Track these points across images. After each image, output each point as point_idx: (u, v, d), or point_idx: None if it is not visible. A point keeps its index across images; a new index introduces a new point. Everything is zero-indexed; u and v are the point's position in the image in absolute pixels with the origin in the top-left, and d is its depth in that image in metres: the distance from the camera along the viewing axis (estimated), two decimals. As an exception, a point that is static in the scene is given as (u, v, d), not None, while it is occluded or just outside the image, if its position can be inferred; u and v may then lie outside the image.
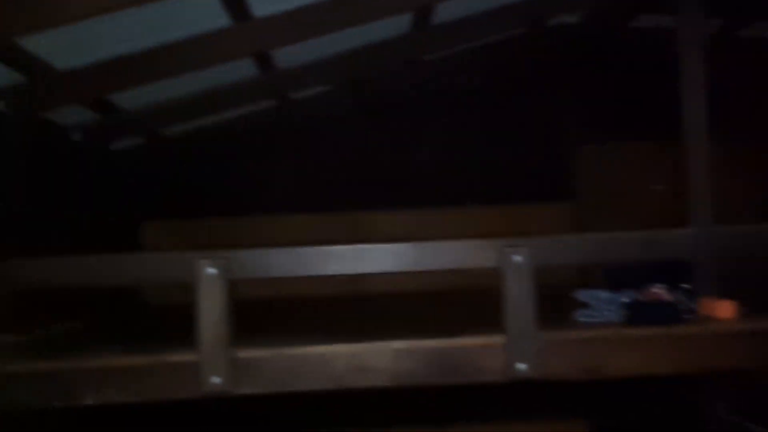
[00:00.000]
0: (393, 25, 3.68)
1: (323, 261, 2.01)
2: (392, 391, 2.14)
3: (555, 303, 2.26)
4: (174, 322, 2.02)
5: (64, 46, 2.65)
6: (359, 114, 4.74)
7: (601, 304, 2.21)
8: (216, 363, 1.91)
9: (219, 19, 2.83)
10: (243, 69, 3.56)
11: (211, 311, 1.93)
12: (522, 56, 4.64)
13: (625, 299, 2.19)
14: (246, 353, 1.94)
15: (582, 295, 2.28)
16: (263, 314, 3.29)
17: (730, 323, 2.05)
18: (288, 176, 4.76)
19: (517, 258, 1.97)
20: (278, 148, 4.71)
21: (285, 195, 4.71)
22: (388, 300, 3.70)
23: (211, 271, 1.94)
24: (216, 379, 1.91)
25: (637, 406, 3.48)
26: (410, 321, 2.90)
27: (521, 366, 1.95)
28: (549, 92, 4.58)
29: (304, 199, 4.69)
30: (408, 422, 3.90)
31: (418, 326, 2.25)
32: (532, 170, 4.55)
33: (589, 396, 3.64)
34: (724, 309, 2.10)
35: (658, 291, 2.23)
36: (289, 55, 3.54)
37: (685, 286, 2.31)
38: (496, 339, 1.98)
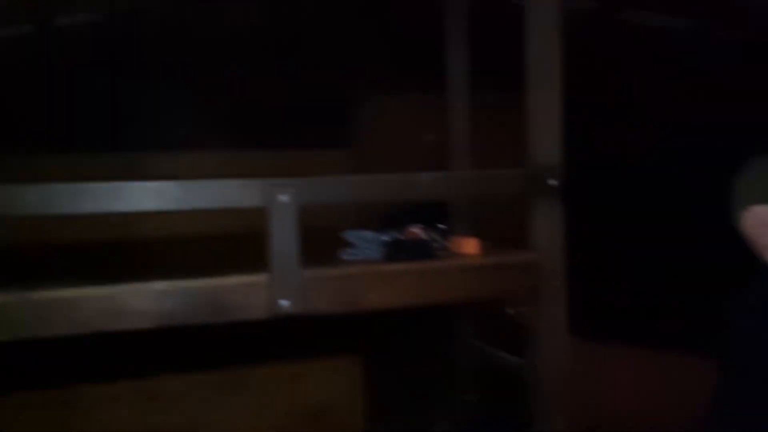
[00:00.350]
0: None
1: (75, 199, 1.88)
2: (168, 335, 2.09)
3: (329, 244, 2.35)
4: None
5: None
6: (136, 48, 4.43)
7: (364, 243, 2.33)
8: (-55, 310, 1.73)
9: None
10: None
11: (-63, 254, 1.73)
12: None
13: (385, 238, 2.33)
14: (-19, 299, 1.77)
15: (349, 235, 2.39)
16: (19, 261, 3.02)
17: (474, 258, 2.28)
18: (55, 112, 4.34)
19: (283, 198, 2.01)
20: (41, 79, 4.26)
21: (52, 132, 4.29)
22: (163, 244, 3.58)
23: (-63, 209, 1.73)
24: (-55, 328, 1.73)
25: (403, 338, 3.77)
26: (182, 264, 2.84)
27: (284, 303, 2.00)
28: (333, 41, 4.62)
29: (74, 138, 4.31)
30: (186, 368, 3.86)
31: (188, 268, 2.21)
32: (314, 117, 4.60)
33: (363, 333, 3.87)
34: (470, 245, 2.33)
35: (416, 230, 2.41)
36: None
37: (441, 226, 2.52)
38: (260, 278, 2.01)
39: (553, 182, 2.26)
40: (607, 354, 3.65)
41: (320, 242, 2.32)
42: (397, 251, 2.22)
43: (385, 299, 2.12)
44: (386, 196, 2.17)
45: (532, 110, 2.31)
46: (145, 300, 1.94)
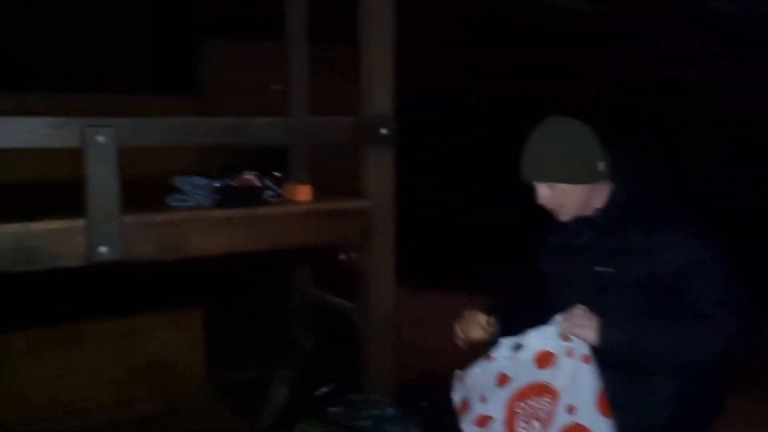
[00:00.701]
0: None
1: None
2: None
3: (160, 190, 2.26)
4: None
5: None
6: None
7: (194, 189, 2.26)
8: None
9: None
10: None
11: None
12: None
13: (217, 184, 2.28)
14: None
15: (177, 181, 2.30)
16: None
17: (306, 204, 2.28)
18: None
19: (100, 138, 1.90)
20: None
21: None
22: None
23: None
24: None
25: (244, 289, 3.76)
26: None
27: (103, 249, 1.91)
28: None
29: None
30: (9, 325, 3.60)
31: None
32: (157, 61, 4.38)
33: (205, 285, 3.81)
34: (303, 192, 2.33)
35: (249, 177, 2.38)
36: None
37: (277, 174, 2.50)
38: (76, 223, 1.91)
39: (384, 131, 2.31)
40: (430, 300, 3.85)
41: (158, 190, 2.23)
42: (226, 197, 2.18)
43: (213, 245, 2.09)
44: (215, 140, 2.12)
45: (366, 61, 2.33)
46: (-60, 247, 1.78)
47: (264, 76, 4.62)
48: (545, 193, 1.67)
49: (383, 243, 2.34)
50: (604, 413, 1.47)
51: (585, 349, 1.49)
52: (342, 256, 2.41)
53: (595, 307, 1.56)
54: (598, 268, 1.64)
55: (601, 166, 1.65)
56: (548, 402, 1.50)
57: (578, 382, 1.49)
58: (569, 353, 1.50)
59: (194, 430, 3.41)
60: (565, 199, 1.66)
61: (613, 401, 1.51)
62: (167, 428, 3.45)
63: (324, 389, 2.11)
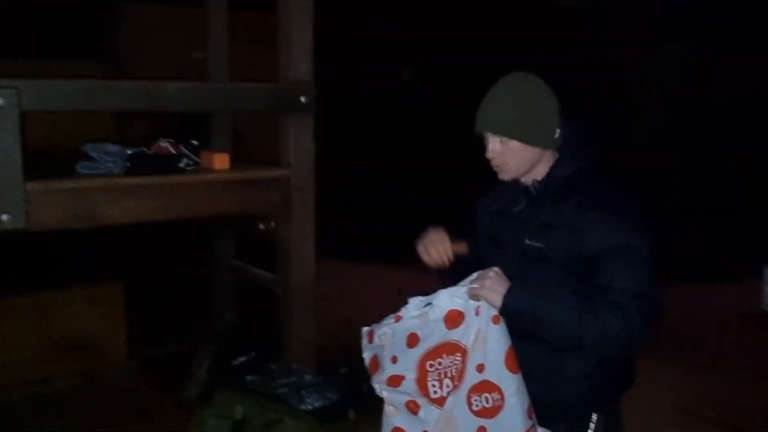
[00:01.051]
0: None
1: None
2: None
3: (76, 159, 2.17)
4: None
5: None
6: None
7: (105, 157, 2.18)
8: None
9: None
10: None
11: None
12: None
13: (130, 152, 2.20)
14: None
15: (89, 148, 2.22)
16: None
17: (222, 173, 2.24)
18: None
19: (0, 101, 1.80)
20: None
21: None
22: None
23: None
24: None
25: (165, 261, 3.68)
26: None
27: (5, 217, 1.83)
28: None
29: None
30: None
31: None
32: (71, 26, 4.17)
33: (125, 258, 3.70)
34: (220, 161, 2.28)
35: (165, 145, 2.31)
36: None
37: (195, 142, 2.44)
38: (-27, 190, 1.82)
39: (304, 99, 2.29)
40: (359, 273, 3.85)
41: (73, 159, 2.14)
42: (139, 165, 2.11)
43: (125, 214, 2.03)
44: (128, 105, 2.05)
45: (285, 27, 2.29)
46: None
47: (185, 42, 4.48)
48: (495, 147, 1.62)
49: (303, 212, 2.32)
50: (512, 369, 1.51)
51: (494, 310, 1.52)
52: (261, 226, 2.37)
53: (522, 278, 1.56)
54: (528, 242, 1.63)
55: (557, 133, 1.62)
56: (459, 361, 1.52)
57: (486, 341, 1.51)
58: (477, 312, 1.52)
59: (116, 405, 3.33)
60: (513, 157, 1.61)
61: (529, 375, 1.53)
62: (88, 405, 3.36)
63: (242, 359, 2.09)
